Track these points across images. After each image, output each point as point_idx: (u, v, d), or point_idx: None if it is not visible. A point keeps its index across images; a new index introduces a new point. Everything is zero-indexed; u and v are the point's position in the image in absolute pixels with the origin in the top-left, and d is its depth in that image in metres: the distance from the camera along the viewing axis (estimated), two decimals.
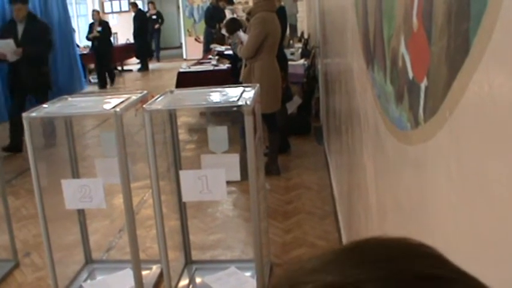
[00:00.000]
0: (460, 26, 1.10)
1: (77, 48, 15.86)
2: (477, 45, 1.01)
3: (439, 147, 1.31)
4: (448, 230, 1.28)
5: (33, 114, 3.83)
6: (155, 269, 4.51)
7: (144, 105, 3.69)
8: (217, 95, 4.13)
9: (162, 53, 24.32)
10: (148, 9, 21.19)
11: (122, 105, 3.79)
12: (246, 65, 6.64)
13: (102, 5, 22.69)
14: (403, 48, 1.66)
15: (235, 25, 9.16)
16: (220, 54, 10.37)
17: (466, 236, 1.15)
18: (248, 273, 4.40)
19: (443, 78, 1.22)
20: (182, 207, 4.51)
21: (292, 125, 8.16)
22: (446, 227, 1.30)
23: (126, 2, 21.67)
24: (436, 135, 1.31)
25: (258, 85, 4.14)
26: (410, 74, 1.57)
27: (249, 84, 4.37)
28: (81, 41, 19.12)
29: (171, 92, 4.27)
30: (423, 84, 1.41)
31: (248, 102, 3.53)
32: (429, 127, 1.37)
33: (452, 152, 1.20)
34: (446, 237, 1.30)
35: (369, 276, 0.59)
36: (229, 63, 9.42)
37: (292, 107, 8.31)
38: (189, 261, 4.65)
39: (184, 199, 3.84)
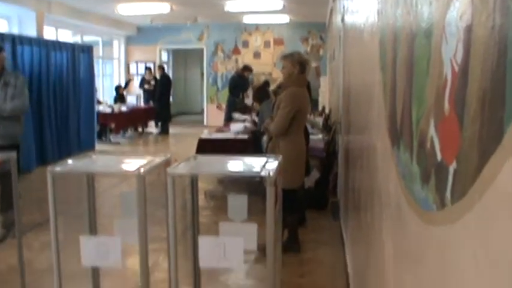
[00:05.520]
0: (494, 113, 1.13)
1: (96, 107, 16.06)
2: (511, 134, 1.04)
3: (466, 230, 1.32)
4: None
5: (58, 168, 3.87)
6: None
7: (167, 169, 3.72)
8: (240, 164, 4.16)
9: (183, 118, 24.58)
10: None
11: (146, 167, 3.83)
12: (271, 139, 6.62)
13: (127, 66, 23.03)
14: (432, 131, 1.69)
15: (263, 94, 9.26)
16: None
17: None
18: None
19: (474, 162, 1.24)
20: (196, 272, 4.49)
21: (309, 199, 8.17)
22: None
23: (152, 64, 21.97)
24: (463, 217, 1.33)
25: (281, 156, 4.16)
26: (439, 157, 1.59)
27: (273, 155, 4.40)
28: (105, 99, 19.39)
29: (195, 157, 4.31)
30: (452, 167, 1.43)
31: (271, 173, 3.55)
32: (456, 209, 1.38)
33: (480, 236, 1.22)
34: None
35: None
36: (251, 133, 9.49)
37: (310, 180, 8.34)
38: None
39: (201, 264, 3.83)
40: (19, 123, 7.25)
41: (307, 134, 7.54)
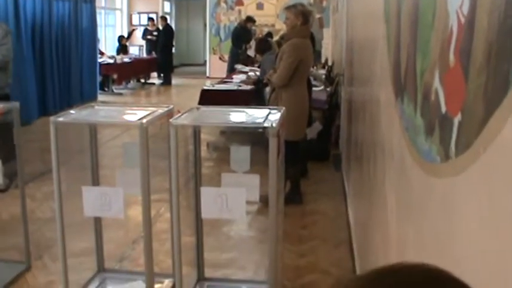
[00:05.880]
0: (500, 66, 1.12)
1: (98, 57, 15.98)
2: None
3: (471, 182, 1.32)
4: (477, 268, 1.28)
5: (61, 119, 3.87)
6: (167, 283, 4.52)
7: (170, 120, 3.72)
8: (242, 115, 4.15)
9: (186, 69, 24.47)
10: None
11: (149, 118, 3.83)
12: (274, 90, 6.61)
13: (130, 17, 22.88)
14: (437, 83, 1.67)
15: (265, 46, 9.22)
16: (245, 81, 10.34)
17: (496, 276, 1.15)
18: None
19: (479, 114, 1.23)
20: (199, 223, 4.52)
21: (311, 151, 8.17)
22: (474, 264, 1.30)
23: (155, 15, 21.80)
24: (467, 169, 1.33)
25: (284, 108, 4.16)
26: (444, 109, 1.58)
27: (275, 107, 4.39)
28: (108, 50, 19.28)
29: (197, 108, 4.31)
30: (457, 119, 1.43)
31: (274, 125, 3.55)
32: (461, 161, 1.38)
33: (484, 188, 1.21)
34: (474, 275, 1.30)
35: None
36: (253, 84, 9.45)
37: (312, 132, 8.32)
38: (201, 278, 4.65)
39: (203, 216, 3.86)
40: (5, 73, 7.15)
41: (309, 86, 7.51)
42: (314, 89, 8.64)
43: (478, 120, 1.24)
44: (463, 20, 1.40)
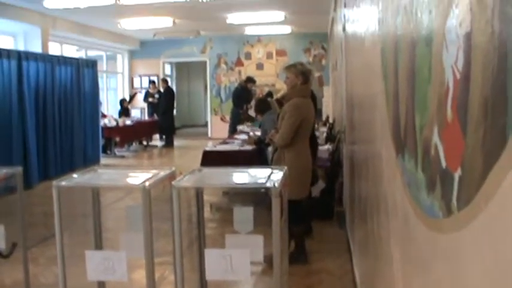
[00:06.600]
0: (497, 120, 1.13)
1: (101, 120, 16.10)
2: None
3: (474, 237, 1.31)
4: None
5: (63, 183, 3.87)
6: None
7: (172, 182, 3.72)
8: (245, 176, 4.16)
9: (187, 130, 24.60)
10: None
11: (151, 180, 3.83)
12: (276, 149, 6.62)
13: (131, 80, 23.07)
14: (436, 138, 1.68)
15: (265, 106, 9.27)
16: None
17: None
18: None
19: (479, 169, 1.24)
20: (203, 285, 4.48)
21: (315, 209, 8.15)
22: None
23: (156, 77, 21.98)
24: (470, 224, 1.32)
25: (286, 167, 4.16)
26: (444, 163, 1.58)
27: (277, 167, 4.39)
28: (110, 113, 19.40)
29: (199, 170, 4.31)
30: (457, 174, 1.43)
31: (276, 185, 3.55)
32: (463, 216, 1.38)
33: (488, 243, 1.21)
34: None
35: None
36: (255, 144, 9.47)
37: (315, 191, 8.32)
38: None
39: (208, 277, 3.83)
40: None
41: (315, 143, 7.53)
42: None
43: (478, 175, 1.24)
44: (458, 75, 1.42)
